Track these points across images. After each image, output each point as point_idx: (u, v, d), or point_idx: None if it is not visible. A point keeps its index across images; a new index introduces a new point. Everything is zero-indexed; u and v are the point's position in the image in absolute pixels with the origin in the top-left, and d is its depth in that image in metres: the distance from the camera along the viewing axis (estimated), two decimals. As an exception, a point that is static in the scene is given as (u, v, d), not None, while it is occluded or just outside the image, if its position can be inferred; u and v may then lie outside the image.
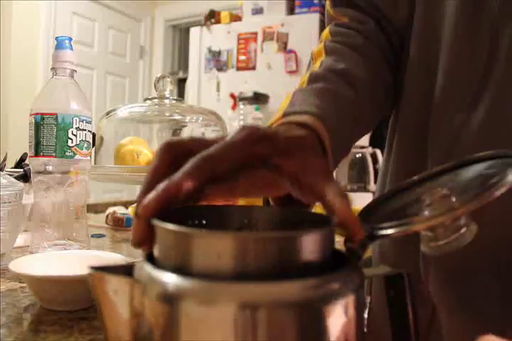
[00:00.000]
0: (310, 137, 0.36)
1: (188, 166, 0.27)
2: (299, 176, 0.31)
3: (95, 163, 0.82)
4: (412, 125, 0.55)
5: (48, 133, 0.57)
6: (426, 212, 0.29)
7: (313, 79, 0.47)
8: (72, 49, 0.60)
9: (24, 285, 0.50)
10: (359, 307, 0.23)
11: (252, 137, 0.30)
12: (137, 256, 0.71)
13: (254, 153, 0.30)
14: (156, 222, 0.25)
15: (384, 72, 0.54)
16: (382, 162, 0.63)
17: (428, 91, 0.51)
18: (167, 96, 0.83)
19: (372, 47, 0.54)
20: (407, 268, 0.29)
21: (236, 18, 3.12)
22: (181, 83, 3.75)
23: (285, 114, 0.40)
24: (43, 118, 0.57)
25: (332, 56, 0.51)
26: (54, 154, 0.57)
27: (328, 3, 0.60)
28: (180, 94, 3.57)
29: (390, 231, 0.29)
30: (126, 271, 0.25)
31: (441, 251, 0.30)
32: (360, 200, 1.73)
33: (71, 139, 0.58)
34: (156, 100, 0.84)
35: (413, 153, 0.55)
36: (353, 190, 1.85)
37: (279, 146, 0.31)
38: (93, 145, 0.72)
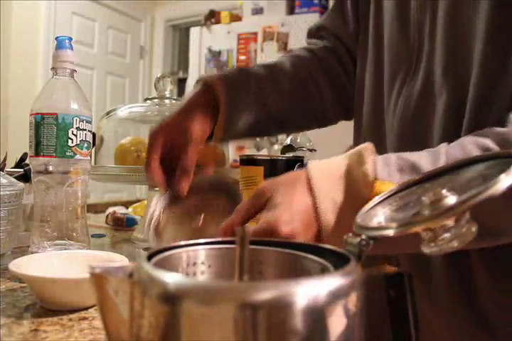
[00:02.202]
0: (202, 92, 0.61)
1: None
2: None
3: (95, 163, 0.82)
4: (369, 104, 0.65)
5: (48, 133, 0.57)
6: (426, 212, 0.29)
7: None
8: (72, 49, 0.60)
9: (24, 285, 0.50)
10: (359, 307, 0.23)
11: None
12: (137, 256, 0.71)
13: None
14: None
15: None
16: None
17: (378, 75, 0.63)
18: (167, 96, 0.83)
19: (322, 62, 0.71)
20: None
21: (236, 18, 3.12)
22: (181, 83, 3.75)
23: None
24: (43, 118, 0.57)
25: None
26: (54, 154, 0.57)
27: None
28: (180, 94, 3.56)
29: (390, 232, 0.29)
30: (126, 271, 0.25)
31: (442, 251, 0.30)
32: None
33: (71, 139, 0.58)
34: (156, 100, 0.84)
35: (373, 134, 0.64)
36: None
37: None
38: (93, 145, 0.72)
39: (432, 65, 0.54)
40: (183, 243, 0.30)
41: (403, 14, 0.58)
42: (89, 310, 0.44)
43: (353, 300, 0.23)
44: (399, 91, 0.57)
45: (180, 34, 4.19)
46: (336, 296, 0.22)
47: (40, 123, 0.57)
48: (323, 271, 0.27)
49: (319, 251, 0.29)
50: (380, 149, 0.60)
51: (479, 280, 0.50)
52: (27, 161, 0.80)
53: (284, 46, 2.89)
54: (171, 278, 0.22)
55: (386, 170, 0.42)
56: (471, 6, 0.49)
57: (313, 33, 0.75)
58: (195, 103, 0.60)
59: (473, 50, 0.49)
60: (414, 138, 0.55)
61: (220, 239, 0.31)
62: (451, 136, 0.49)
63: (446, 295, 0.52)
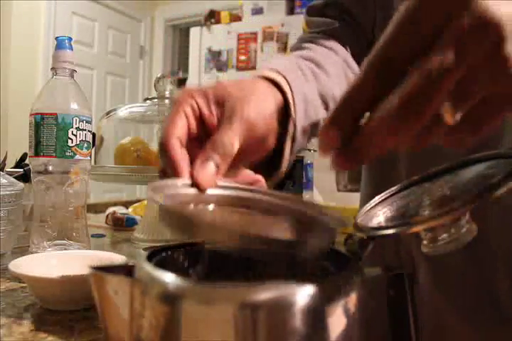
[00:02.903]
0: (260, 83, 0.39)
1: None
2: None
3: (95, 163, 0.82)
4: None
5: (48, 133, 0.57)
6: (426, 212, 0.29)
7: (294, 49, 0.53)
8: (72, 49, 0.60)
9: (24, 285, 0.50)
10: (360, 308, 0.23)
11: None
12: (137, 256, 0.71)
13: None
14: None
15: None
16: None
17: None
18: (167, 96, 0.83)
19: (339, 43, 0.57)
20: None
21: (236, 18, 3.12)
22: (181, 83, 3.75)
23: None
24: (43, 118, 0.57)
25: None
26: (54, 154, 0.57)
27: (303, 22, 0.64)
28: (180, 94, 3.56)
29: (390, 232, 0.29)
30: (126, 271, 0.25)
31: (442, 251, 0.30)
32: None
33: (71, 139, 0.58)
34: (156, 100, 0.84)
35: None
36: (352, 190, 1.85)
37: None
38: (93, 145, 0.72)
39: None
40: (183, 243, 0.30)
41: None
42: (89, 310, 0.44)
43: (353, 300, 0.23)
44: None
45: (180, 34, 4.19)
46: (336, 296, 0.22)
47: (40, 123, 0.57)
48: (323, 270, 0.27)
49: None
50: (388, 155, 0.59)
51: (500, 279, 0.49)
52: (27, 161, 0.80)
53: (284, 46, 2.89)
54: (171, 278, 0.22)
55: None
56: None
57: (317, 10, 0.62)
58: (266, 94, 0.38)
59: None
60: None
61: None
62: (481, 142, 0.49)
63: (465, 294, 0.52)
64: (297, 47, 0.55)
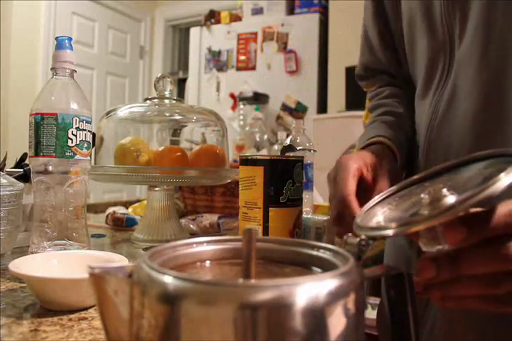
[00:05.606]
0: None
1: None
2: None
3: (95, 163, 0.82)
4: None
5: (48, 133, 0.57)
6: (426, 212, 0.29)
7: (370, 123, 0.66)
8: (72, 49, 0.60)
9: (24, 285, 0.50)
10: (359, 307, 0.23)
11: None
12: (137, 256, 0.71)
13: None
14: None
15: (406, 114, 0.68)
16: None
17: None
18: (167, 96, 0.83)
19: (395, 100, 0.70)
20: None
21: (236, 18, 3.13)
22: (181, 83, 3.75)
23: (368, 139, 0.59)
24: (43, 118, 0.57)
25: (373, 111, 0.70)
26: (54, 154, 0.57)
27: (363, 85, 0.79)
28: (180, 94, 3.56)
29: (390, 232, 0.29)
30: (126, 271, 0.25)
31: (442, 251, 0.30)
32: (360, 200, 1.72)
33: (71, 139, 0.58)
34: (156, 100, 0.84)
35: None
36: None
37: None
38: (93, 145, 0.72)
39: (458, 78, 0.53)
40: (184, 242, 0.30)
41: (430, 15, 0.57)
42: (89, 310, 0.44)
43: (352, 300, 0.23)
44: (433, 94, 0.57)
45: (180, 34, 4.19)
46: (335, 296, 0.22)
47: (40, 123, 0.57)
48: (324, 270, 0.27)
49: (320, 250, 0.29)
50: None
51: None
52: (27, 161, 0.80)
53: (283, 46, 2.89)
54: (171, 279, 0.22)
55: None
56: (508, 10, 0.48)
57: (362, 76, 0.77)
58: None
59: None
60: (445, 143, 0.54)
61: (223, 238, 0.31)
62: (483, 140, 0.50)
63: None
64: (379, 112, 0.68)
